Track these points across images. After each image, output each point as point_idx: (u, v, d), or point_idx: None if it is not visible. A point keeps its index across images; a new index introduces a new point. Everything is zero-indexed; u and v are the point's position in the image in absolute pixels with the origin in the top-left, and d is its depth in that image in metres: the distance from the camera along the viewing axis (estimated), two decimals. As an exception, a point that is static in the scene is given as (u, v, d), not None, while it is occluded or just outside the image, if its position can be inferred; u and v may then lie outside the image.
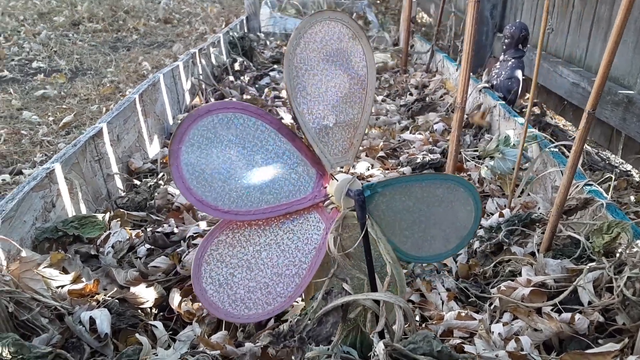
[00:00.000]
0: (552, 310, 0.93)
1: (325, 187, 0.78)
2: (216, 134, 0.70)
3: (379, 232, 0.79)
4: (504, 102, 1.84)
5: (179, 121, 1.91)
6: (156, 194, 1.32)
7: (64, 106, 2.57)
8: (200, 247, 0.76)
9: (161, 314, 0.94)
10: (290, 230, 0.79)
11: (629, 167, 1.88)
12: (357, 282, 0.80)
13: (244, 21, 3.46)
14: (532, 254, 1.09)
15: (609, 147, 2.06)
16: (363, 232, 0.71)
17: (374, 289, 0.74)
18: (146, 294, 0.93)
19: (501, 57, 2.11)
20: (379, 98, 2.45)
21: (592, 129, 2.22)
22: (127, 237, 1.09)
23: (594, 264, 0.95)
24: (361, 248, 0.75)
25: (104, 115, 1.41)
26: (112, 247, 1.03)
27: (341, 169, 0.83)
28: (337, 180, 0.75)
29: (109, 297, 0.91)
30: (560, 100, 2.39)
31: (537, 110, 2.53)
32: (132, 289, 0.93)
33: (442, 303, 0.99)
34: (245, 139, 0.72)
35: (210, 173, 0.70)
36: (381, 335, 0.73)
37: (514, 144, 1.41)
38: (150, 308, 0.93)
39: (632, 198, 1.50)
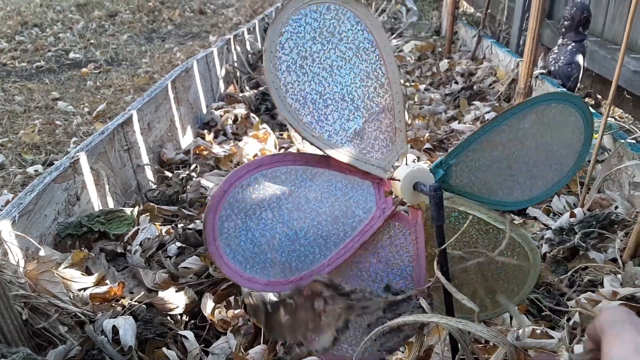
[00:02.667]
0: (644, 328, 0.79)
1: (389, 193, 0.64)
2: (246, 210, 0.58)
3: (473, 205, 0.67)
4: (565, 89, 1.67)
5: (212, 111, 1.82)
6: (188, 186, 1.22)
7: (98, 97, 2.53)
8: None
9: (192, 321, 0.85)
10: (375, 250, 0.66)
11: None
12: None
13: (279, 8, 3.36)
14: (614, 260, 0.94)
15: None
16: (438, 236, 0.58)
17: (449, 306, 0.61)
18: (176, 299, 0.83)
19: (559, 41, 1.93)
20: (422, 87, 2.31)
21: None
22: (157, 234, 1.00)
23: (696, 275, 0.80)
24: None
25: (134, 102, 1.33)
26: (140, 244, 0.94)
27: (397, 163, 0.68)
28: (399, 180, 0.61)
29: (135, 301, 0.81)
30: (618, 90, 2.19)
31: (590, 100, 2.34)
32: (161, 294, 0.83)
33: (511, 317, 0.86)
34: (277, 195, 0.59)
35: (264, 253, 0.59)
36: None
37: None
38: (181, 315, 0.84)
39: None
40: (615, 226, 1.01)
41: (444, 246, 0.60)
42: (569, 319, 0.83)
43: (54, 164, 1.82)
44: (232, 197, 0.57)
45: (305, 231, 0.61)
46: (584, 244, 0.97)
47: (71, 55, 3.25)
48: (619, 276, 0.88)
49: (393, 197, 0.64)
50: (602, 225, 1.01)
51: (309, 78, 0.58)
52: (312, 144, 0.59)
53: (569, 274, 0.92)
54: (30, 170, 1.80)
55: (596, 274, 0.91)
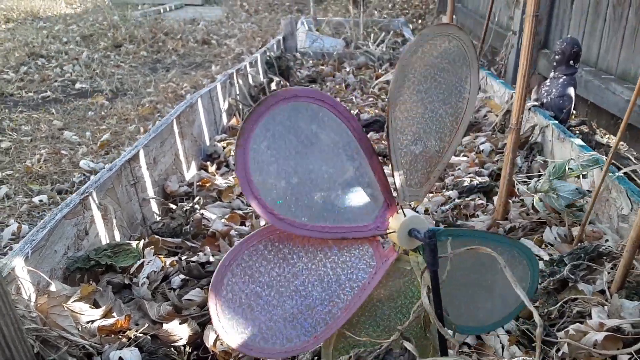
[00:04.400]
0: (629, 359, 0.82)
1: (389, 220, 0.68)
2: (295, 125, 0.60)
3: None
4: (557, 122, 1.73)
5: (215, 143, 1.88)
6: (191, 219, 1.26)
7: (103, 126, 2.59)
8: (231, 252, 0.64)
9: (195, 352, 0.88)
10: (337, 260, 0.69)
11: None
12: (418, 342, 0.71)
13: (281, 41, 3.45)
14: (602, 292, 0.98)
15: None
16: (433, 282, 0.62)
17: (444, 350, 0.64)
18: (180, 331, 0.87)
19: (551, 74, 1.99)
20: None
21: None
22: (161, 266, 1.04)
23: (679, 307, 0.84)
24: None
25: (141, 137, 1.38)
26: (147, 277, 0.98)
27: (409, 205, 0.73)
28: (405, 215, 0.66)
29: (140, 333, 0.85)
30: (612, 119, 2.25)
31: (585, 128, 2.39)
32: (165, 326, 0.87)
33: (502, 348, 0.89)
34: (323, 139, 0.62)
35: (277, 168, 0.60)
36: None
37: (572, 170, 1.29)
38: (184, 346, 0.87)
39: None
40: (604, 258, 1.05)
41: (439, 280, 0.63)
42: (557, 350, 0.87)
43: (61, 192, 1.87)
44: (298, 104, 0.60)
45: (318, 183, 0.64)
46: (573, 276, 1.00)
47: (77, 85, 3.32)
48: (606, 308, 0.92)
49: (390, 230, 0.68)
50: (590, 257, 1.04)
51: (418, 90, 0.69)
52: (387, 128, 0.66)
53: (558, 304, 0.96)
54: (36, 200, 1.84)
55: (585, 305, 0.95)
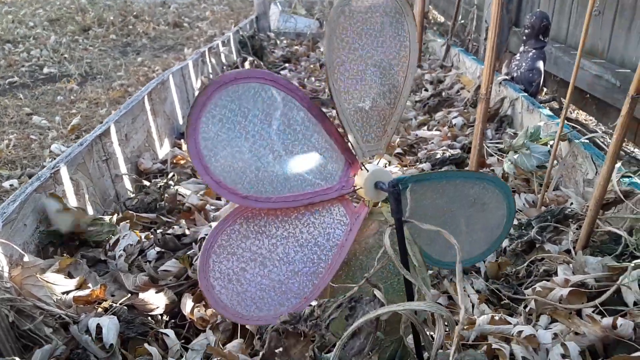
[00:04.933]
0: (593, 312, 0.85)
1: (354, 178, 0.70)
2: (240, 106, 0.61)
3: (405, 231, 0.72)
4: (526, 94, 1.76)
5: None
6: (166, 194, 1.26)
7: (73, 111, 2.54)
8: (210, 236, 0.67)
9: (172, 321, 0.89)
10: (311, 223, 0.71)
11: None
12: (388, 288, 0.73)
13: (254, 21, 3.41)
14: (568, 251, 1.01)
15: (634, 140, 1.97)
16: (399, 230, 0.63)
17: (410, 295, 0.66)
18: (156, 300, 0.87)
19: (521, 49, 2.03)
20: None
21: (613, 122, 2.13)
22: (137, 240, 1.04)
23: (638, 261, 0.88)
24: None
25: (112, 114, 1.37)
26: (124, 250, 0.98)
27: (371, 159, 0.75)
28: (368, 171, 0.67)
29: (117, 304, 0.85)
30: (581, 94, 2.30)
31: (556, 104, 2.45)
32: (141, 295, 0.87)
33: (473, 306, 0.92)
34: (272, 115, 0.63)
35: (231, 151, 0.62)
36: (420, 349, 0.66)
37: (541, 138, 1.33)
38: (161, 315, 0.88)
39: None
40: (569, 220, 1.09)
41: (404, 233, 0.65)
42: (525, 306, 0.90)
43: (31, 177, 1.84)
44: (238, 87, 0.61)
45: (274, 159, 0.65)
46: (540, 237, 1.04)
47: (45, 70, 3.24)
48: (571, 265, 0.95)
49: (357, 186, 0.70)
50: (557, 219, 1.08)
51: (354, 48, 0.68)
52: (330, 92, 0.66)
53: (525, 264, 0.99)
54: (6, 184, 1.81)
55: (551, 264, 0.98)
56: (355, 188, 0.69)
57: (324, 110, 0.72)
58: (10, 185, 1.80)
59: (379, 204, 0.74)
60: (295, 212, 0.70)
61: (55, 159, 2.00)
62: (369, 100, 0.69)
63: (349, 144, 0.69)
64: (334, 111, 0.69)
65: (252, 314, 0.70)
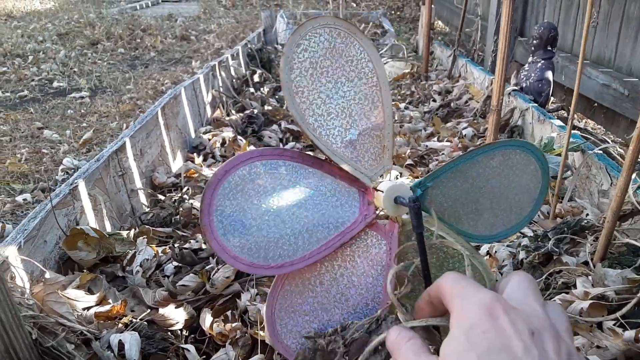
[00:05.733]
0: (614, 324, 0.85)
1: (373, 203, 0.70)
2: (243, 192, 0.63)
3: (444, 227, 0.72)
4: (536, 105, 1.76)
5: (201, 135, 1.88)
6: (181, 208, 1.27)
7: (84, 124, 2.56)
8: (268, 304, 0.69)
9: (192, 336, 0.89)
10: (350, 258, 0.72)
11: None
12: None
13: (261, 34, 3.44)
14: (585, 263, 1.01)
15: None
16: (420, 244, 0.64)
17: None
18: (176, 315, 0.87)
19: (530, 59, 2.04)
20: (402, 105, 2.39)
21: (625, 131, 2.13)
22: (154, 255, 1.04)
23: (658, 273, 0.87)
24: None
25: (126, 129, 1.38)
26: (141, 265, 0.98)
27: (382, 177, 0.75)
28: (382, 191, 0.68)
29: (137, 319, 0.85)
30: (589, 103, 2.31)
31: (564, 113, 2.45)
32: (161, 310, 0.87)
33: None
34: (273, 185, 0.65)
35: (252, 235, 0.64)
36: None
37: (555, 149, 1.33)
38: (181, 330, 0.88)
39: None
40: (586, 231, 1.09)
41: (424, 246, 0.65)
42: (545, 319, 0.89)
43: (44, 191, 1.85)
44: (232, 177, 0.62)
45: (292, 222, 0.66)
46: (557, 249, 1.04)
47: (55, 84, 3.28)
48: (590, 277, 0.95)
49: (378, 209, 0.70)
50: (573, 231, 1.08)
51: (317, 86, 0.66)
52: (312, 142, 0.66)
53: (544, 277, 0.99)
54: (19, 199, 1.82)
55: (569, 277, 0.98)
56: (378, 212, 0.69)
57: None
58: (24, 199, 1.82)
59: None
60: (333, 255, 0.71)
61: (67, 173, 2.02)
62: (354, 129, 0.69)
63: (354, 176, 0.70)
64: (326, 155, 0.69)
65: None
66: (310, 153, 0.68)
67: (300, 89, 0.65)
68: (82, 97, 2.94)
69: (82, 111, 2.76)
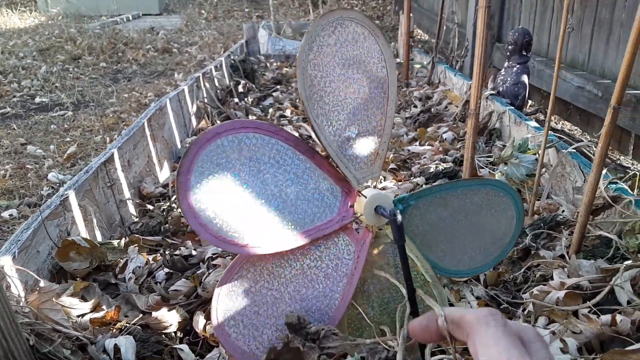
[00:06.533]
0: (589, 312, 0.89)
1: (353, 206, 0.70)
2: (227, 159, 0.61)
3: (414, 249, 0.74)
4: (513, 108, 1.82)
5: (187, 145, 1.90)
6: (170, 217, 1.29)
7: (67, 139, 2.56)
8: (220, 283, 0.67)
9: (186, 338, 0.91)
10: (318, 257, 0.71)
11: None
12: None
13: (244, 45, 3.48)
14: (562, 256, 1.06)
15: (619, 147, 2.04)
16: (402, 256, 0.65)
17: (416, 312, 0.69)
18: (169, 318, 0.90)
19: (506, 64, 2.10)
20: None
21: (599, 131, 2.20)
22: (145, 262, 1.06)
23: (629, 262, 0.92)
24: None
25: (114, 141, 1.40)
26: (133, 272, 1.00)
27: (368, 184, 0.76)
28: (366, 197, 0.68)
29: (131, 323, 0.87)
30: (565, 105, 2.38)
31: (541, 116, 2.52)
32: (155, 314, 0.89)
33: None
34: (260, 160, 0.63)
35: (225, 204, 0.61)
36: None
37: (530, 149, 1.39)
38: (175, 332, 0.90)
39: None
40: (562, 226, 1.14)
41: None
42: (524, 310, 0.94)
43: (30, 206, 1.86)
44: (221, 141, 0.61)
45: (267, 205, 0.64)
46: (534, 244, 1.08)
47: (37, 99, 3.27)
48: (566, 269, 1.00)
49: (357, 214, 0.71)
50: (549, 226, 1.12)
51: (330, 74, 0.68)
52: (312, 127, 0.67)
53: (521, 270, 1.03)
54: (5, 214, 1.82)
55: (547, 269, 1.02)
56: (356, 216, 0.70)
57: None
58: (10, 215, 1.82)
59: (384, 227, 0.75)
60: (301, 248, 0.70)
61: (52, 187, 2.02)
62: (355, 128, 0.70)
63: (343, 173, 0.70)
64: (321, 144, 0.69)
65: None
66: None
67: (314, 71, 0.66)
68: (66, 113, 2.94)
69: (66, 126, 2.76)
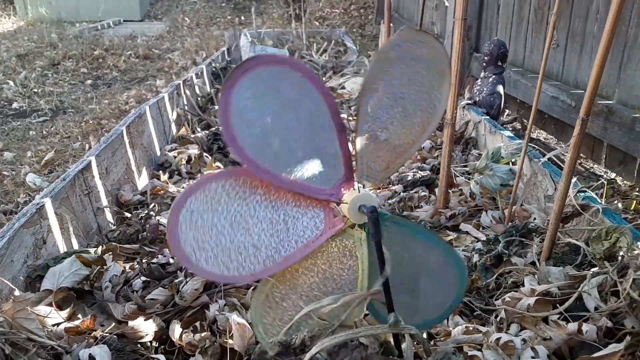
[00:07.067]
0: (558, 318, 0.92)
1: (344, 192, 0.73)
2: (278, 86, 0.66)
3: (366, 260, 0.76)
4: (488, 117, 1.86)
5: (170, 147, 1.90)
6: (148, 225, 1.29)
7: (45, 145, 2.54)
8: (197, 182, 0.70)
9: (162, 347, 0.91)
10: (289, 214, 0.74)
11: (612, 175, 1.91)
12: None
13: (225, 52, 3.49)
14: (533, 263, 1.09)
15: (592, 156, 2.09)
16: (378, 252, 0.68)
17: (391, 311, 0.71)
18: (145, 327, 0.90)
19: (482, 74, 2.15)
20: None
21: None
22: (122, 271, 1.06)
23: (596, 269, 0.95)
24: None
25: (92, 148, 1.40)
26: (110, 281, 1.00)
27: (365, 186, 0.78)
28: (359, 192, 0.72)
29: (106, 333, 0.87)
30: (540, 114, 2.43)
31: (518, 125, 2.58)
32: (130, 323, 0.90)
33: (448, 319, 0.97)
34: (301, 106, 0.68)
35: (255, 116, 0.66)
36: None
37: (503, 157, 1.42)
38: (150, 342, 0.90)
39: (620, 205, 1.52)
40: (533, 234, 1.16)
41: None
42: (496, 316, 0.96)
43: (7, 213, 1.83)
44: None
45: (292, 142, 0.69)
46: (507, 251, 1.11)
47: (14, 105, 3.23)
48: (536, 276, 1.02)
49: (343, 200, 0.73)
50: (521, 234, 1.15)
51: (390, 85, 0.74)
52: (356, 118, 0.71)
53: (493, 277, 1.06)
54: (-19, 221, 1.79)
55: (518, 276, 1.05)
56: (342, 201, 0.73)
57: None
58: (-14, 221, 1.79)
59: (356, 227, 0.77)
60: (282, 197, 0.73)
61: (29, 194, 2.00)
62: (386, 134, 0.74)
63: (353, 162, 0.74)
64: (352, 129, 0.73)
65: (199, 266, 0.70)
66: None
67: (387, 66, 0.70)
68: (44, 119, 2.91)
69: (44, 132, 2.73)
